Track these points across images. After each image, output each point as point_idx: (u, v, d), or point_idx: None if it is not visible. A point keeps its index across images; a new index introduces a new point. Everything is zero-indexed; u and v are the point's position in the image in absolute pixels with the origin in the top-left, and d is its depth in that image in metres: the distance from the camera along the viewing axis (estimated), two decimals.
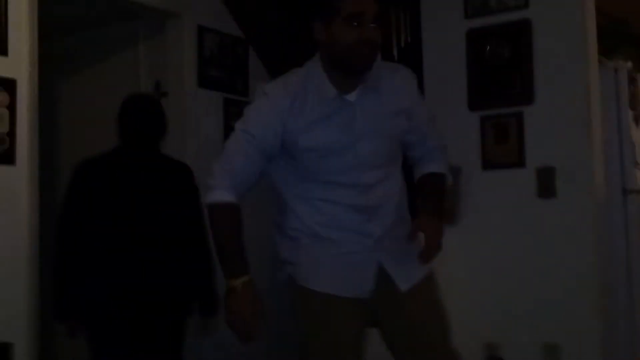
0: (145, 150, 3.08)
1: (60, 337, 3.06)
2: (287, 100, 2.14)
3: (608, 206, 3.90)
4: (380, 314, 2.22)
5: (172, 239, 2.98)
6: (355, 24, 2.08)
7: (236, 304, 2.05)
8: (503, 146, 3.90)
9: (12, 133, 3.32)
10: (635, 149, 4.06)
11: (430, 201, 2.27)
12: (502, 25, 3.88)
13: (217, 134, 4.40)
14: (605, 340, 3.67)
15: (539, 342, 3.72)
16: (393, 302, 2.21)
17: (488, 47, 3.91)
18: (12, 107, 3.33)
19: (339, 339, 2.16)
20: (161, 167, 3.10)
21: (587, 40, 3.75)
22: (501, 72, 3.89)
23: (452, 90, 4.02)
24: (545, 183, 3.77)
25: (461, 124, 3.99)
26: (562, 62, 3.74)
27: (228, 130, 4.42)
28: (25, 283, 3.34)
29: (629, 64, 4.06)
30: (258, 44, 4.65)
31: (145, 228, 2.93)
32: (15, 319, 3.26)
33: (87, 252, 2.87)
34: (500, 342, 3.83)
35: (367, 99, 2.17)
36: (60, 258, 2.90)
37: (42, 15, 3.60)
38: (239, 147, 2.16)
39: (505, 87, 3.88)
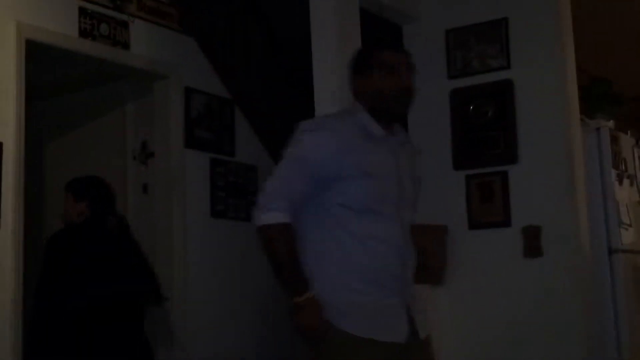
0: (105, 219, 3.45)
1: None
2: (344, 132, 2.32)
3: (594, 265, 3.89)
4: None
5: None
6: (392, 73, 2.34)
7: (303, 319, 2.23)
8: (489, 205, 3.91)
9: None
10: (619, 208, 4.09)
11: None
12: (485, 86, 3.93)
13: (204, 193, 4.41)
14: None
15: None
16: (416, 349, 2.29)
17: (472, 107, 3.95)
18: None
19: None
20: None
21: (569, 99, 3.80)
22: (485, 132, 3.93)
23: (437, 149, 4.05)
24: (531, 242, 3.77)
25: (446, 183, 4.00)
26: (545, 121, 3.79)
27: (215, 190, 4.44)
28: (9, 345, 3.30)
29: (611, 123, 4.11)
30: (245, 105, 4.69)
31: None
32: None
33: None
34: None
35: (405, 143, 2.44)
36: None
37: (29, 77, 3.63)
38: (297, 171, 2.30)
39: (489, 146, 3.92)
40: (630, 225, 4.17)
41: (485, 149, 3.93)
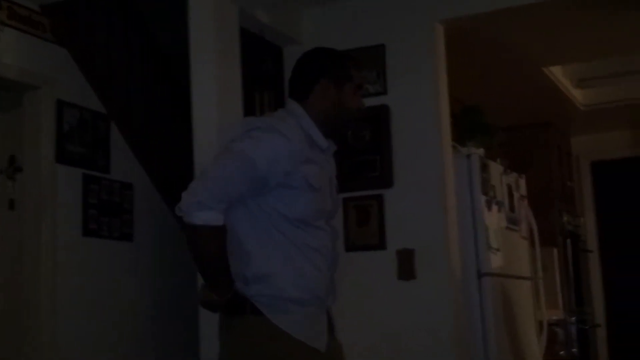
0: None
1: None
2: (295, 139, 2.25)
3: (464, 288, 4.00)
4: None
5: None
6: (357, 93, 2.38)
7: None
8: (365, 228, 3.96)
9: None
10: (488, 233, 4.22)
11: None
12: (362, 110, 3.98)
13: (75, 211, 4.24)
14: None
15: None
16: (336, 351, 2.36)
17: (350, 131, 3.99)
18: None
19: None
20: None
21: (442, 126, 3.92)
22: (362, 156, 3.99)
23: None
24: (405, 265, 3.84)
25: None
26: (419, 147, 3.89)
27: (87, 207, 4.28)
28: None
29: (482, 151, 4.25)
30: (121, 120, 4.57)
31: None
32: None
33: None
34: None
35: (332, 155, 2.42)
36: None
37: None
38: (241, 171, 2.22)
39: (366, 170, 3.98)
40: (498, 250, 4.32)
41: (363, 172, 3.99)
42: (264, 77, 4.28)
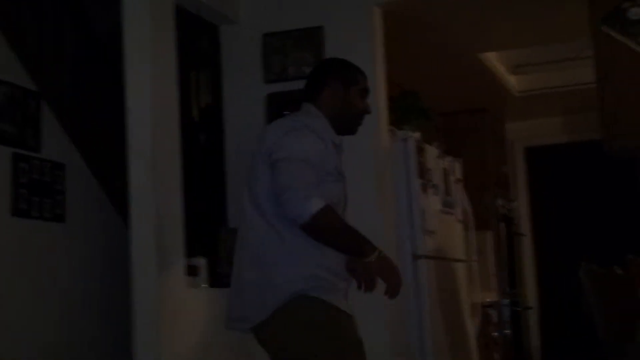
0: None
1: None
2: (322, 134, 2.58)
3: (400, 270, 4.02)
4: None
5: None
6: (364, 97, 2.72)
7: (389, 263, 2.59)
8: None
9: None
10: (424, 216, 4.26)
11: None
12: (300, 92, 3.95)
13: (4, 190, 4.12)
14: None
15: None
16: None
17: (287, 112, 3.97)
18: None
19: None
20: None
21: (379, 110, 3.92)
22: None
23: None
24: None
25: None
26: None
27: (16, 186, 4.16)
28: None
29: (418, 135, 4.28)
30: (53, 99, 4.44)
31: None
32: None
33: None
34: None
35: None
36: None
37: None
38: (308, 171, 2.49)
39: None
40: (433, 233, 4.36)
41: None
42: (200, 56, 4.23)
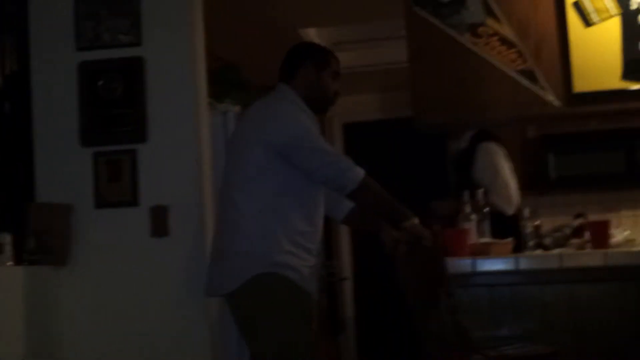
0: None
1: None
2: (306, 111, 2.96)
3: None
4: None
5: None
6: (335, 79, 3.00)
7: (424, 230, 2.84)
8: (117, 184, 3.82)
9: None
10: None
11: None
12: (115, 61, 3.81)
13: None
14: None
15: None
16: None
17: (101, 82, 3.81)
18: None
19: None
20: None
21: (198, 82, 3.85)
22: (115, 109, 3.81)
23: (64, 124, 3.83)
24: (158, 222, 3.76)
25: (73, 160, 3.82)
26: (174, 102, 3.79)
27: None
28: None
29: (238, 108, 4.26)
30: None
31: None
32: None
33: None
34: None
35: None
36: None
37: None
38: (325, 143, 2.86)
39: (118, 123, 3.81)
40: None
41: (115, 126, 3.82)
42: (4, 19, 3.93)
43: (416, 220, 2.86)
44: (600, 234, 3.92)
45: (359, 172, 2.77)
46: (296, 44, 3.10)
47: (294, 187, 2.89)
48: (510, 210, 4.54)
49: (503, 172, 4.57)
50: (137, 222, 3.78)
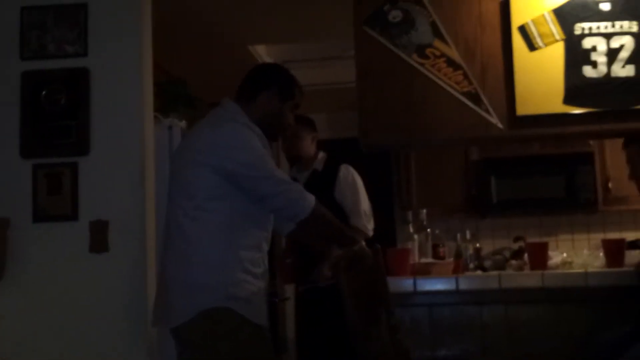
0: None
1: None
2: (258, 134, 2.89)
3: (160, 260, 3.95)
4: None
5: None
6: (293, 111, 2.92)
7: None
8: (56, 198, 3.74)
9: None
10: None
11: None
12: (60, 71, 3.75)
13: None
14: None
15: None
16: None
17: (44, 93, 3.74)
18: None
19: None
20: None
21: (144, 95, 3.81)
22: (57, 120, 3.74)
23: (4, 134, 3.75)
24: (98, 237, 3.70)
25: (12, 173, 3.74)
26: (119, 115, 3.74)
27: None
28: None
29: (184, 123, 4.23)
30: None
31: None
32: None
33: None
34: None
35: None
36: None
37: None
38: (277, 170, 2.79)
39: (61, 135, 3.75)
40: None
41: (57, 138, 3.75)
42: None
43: (363, 243, 2.92)
44: (538, 256, 4.00)
45: (310, 201, 2.71)
46: (263, 64, 3.16)
47: (244, 214, 2.79)
48: (370, 232, 4.68)
49: (363, 193, 4.72)
50: (76, 237, 3.71)
